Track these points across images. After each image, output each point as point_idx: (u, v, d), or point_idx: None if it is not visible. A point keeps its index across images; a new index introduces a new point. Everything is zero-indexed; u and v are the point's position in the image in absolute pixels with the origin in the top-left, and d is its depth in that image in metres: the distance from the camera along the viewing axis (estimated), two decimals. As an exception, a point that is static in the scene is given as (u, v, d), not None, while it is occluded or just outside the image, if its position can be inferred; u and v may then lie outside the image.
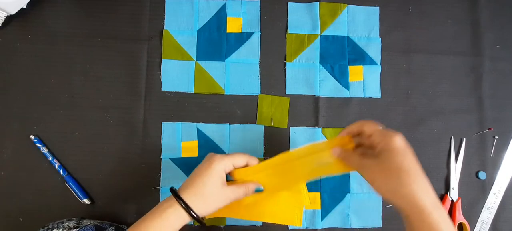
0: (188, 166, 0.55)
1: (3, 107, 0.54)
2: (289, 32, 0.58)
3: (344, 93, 0.58)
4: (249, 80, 0.57)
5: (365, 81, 0.58)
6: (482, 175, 0.58)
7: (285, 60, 0.58)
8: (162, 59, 0.56)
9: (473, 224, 0.57)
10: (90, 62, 0.56)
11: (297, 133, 0.57)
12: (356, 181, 0.56)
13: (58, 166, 0.53)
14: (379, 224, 0.56)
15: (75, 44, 0.56)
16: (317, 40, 0.58)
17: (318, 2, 0.58)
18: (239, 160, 0.44)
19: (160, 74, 0.56)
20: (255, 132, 0.56)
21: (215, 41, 0.57)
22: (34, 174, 0.54)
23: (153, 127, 0.55)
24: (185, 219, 0.40)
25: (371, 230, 0.56)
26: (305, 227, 0.55)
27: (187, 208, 0.39)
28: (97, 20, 0.56)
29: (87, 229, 0.46)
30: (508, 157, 0.58)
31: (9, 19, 0.54)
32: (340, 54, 0.58)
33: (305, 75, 0.58)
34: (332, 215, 0.56)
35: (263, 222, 0.55)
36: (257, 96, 0.57)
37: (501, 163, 0.58)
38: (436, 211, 0.34)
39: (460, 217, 0.56)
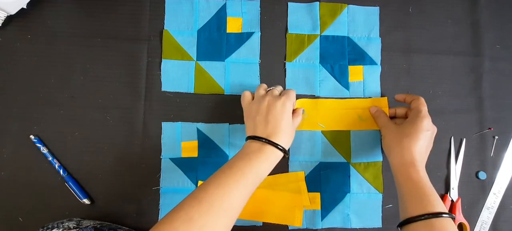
0: (188, 166, 0.55)
1: (3, 107, 0.54)
2: (289, 32, 0.58)
3: (344, 93, 0.58)
4: (249, 80, 0.57)
5: (365, 81, 0.58)
6: (482, 175, 0.58)
7: (285, 60, 0.58)
8: (162, 59, 0.56)
9: (473, 224, 0.57)
10: (90, 62, 0.56)
11: (297, 133, 0.56)
12: (356, 181, 0.56)
13: (58, 166, 0.53)
14: (379, 224, 0.56)
15: (75, 44, 0.56)
16: (317, 40, 0.58)
17: (318, 2, 0.58)
18: (294, 94, 0.51)
19: (160, 74, 0.56)
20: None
21: (215, 41, 0.57)
22: (34, 174, 0.54)
23: (153, 127, 0.55)
24: (279, 156, 0.46)
25: (371, 230, 0.56)
26: (305, 227, 0.55)
27: (281, 148, 0.45)
28: (97, 20, 0.56)
29: (87, 230, 0.46)
30: (508, 157, 0.58)
31: (9, 19, 0.54)
32: (340, 54, 0.58)
33: (305, 75, 0.58)
34: (332, 215, 0.56)
35: (263, 222, 0.55)
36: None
37: (501, 163, 0.58)
38: (422, 165, 0.47)
39: (460, 217, 0.56)
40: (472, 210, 0.57)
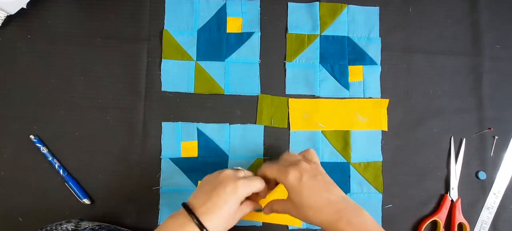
0: (188, 166, 0.55)
1: (3, 107, 0.54)
2: (289, 32, 0.58)
3: (344, 94, 0.58)
4: (249, 80, 0.57)
5: (365, 81, 0.58)
6: (482, 175, 0.58)
7: (285, 60, 0.58)
8: (162, 59, 0.56)
9: (473, 224, 0.57)
10: (90, 62, 0.56)
11: (297, 133, 0.57)
12: (356, 181, 0.56)
13: (58, 166, 0.53)
14: (379, 224, 0.56)
15: (75, 44, 0.56)
16: (317, 40, 0.58)
17: (318, 2, 0.58)
18: (258, 185, 0.44)
19: (160, 74, 0.56)
20: (255, 132, 0.56)
21: (215, 41, 0.57)
22: (34, 174, 0.54)
23: (153, 127, 0.55)
24: None
25: (371, 230, 0.56)
26: (305, 227, 0.55)
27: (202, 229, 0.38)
28: (97, 20, 0.56)
29: (86, 231, 0.46)
30: (508, 157, 0.58)
31: (9, 19, 0.54)
32: (340, 54, 0.58)
33: (305, 75, 0.58)
34: (332, 215, 0.56)
35: (263, 222, 0.55)
36: (257, 96, 0.57)
37: (501, 163, 0.58)
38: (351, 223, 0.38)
39: (460, 217, 0.56)
40: (472, 210, 0.57)
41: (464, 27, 0.60)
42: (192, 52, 0.57)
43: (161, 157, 0.55)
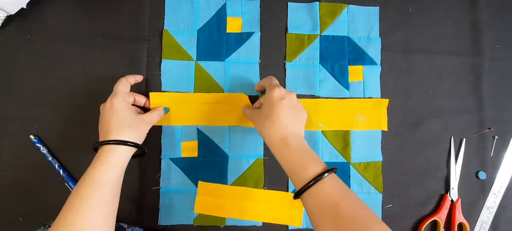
0: (188, 166, 0.55)
1: (3, 107, 0.54)
2: (289, 32, 0.58)
3: (344, 93, 0.58)
4: (249, 80, 0.57)
5: (365, 81, 0.58)
6: (482, 175, 0.58)
7: (285, 60, 0.58)
8: (162, 59, 0.56)
9: (473, 224, 0.57)
10: (90, 62, 0.56)
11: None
12: (356, 181, 0.56)
13: (58, 166, 0.53)
14: (379, 224, 0.56)
15: (75, 44, 0.56)
16: (317, 40, 0.58)
17: (318, 2, 0.58)
18: (132, 78, 0.52)
19: (160, 74, 0.56)
20: (255, 132, 0.56)
21: (215, 41, 0.57)
22: (34, 174, 0.54)
23: (153, 127, 0.55)
24: (127, 154, 0.45)
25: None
26: (305, 227, 0.55)
27: (113, 142, 0.43)
28: (97, 20, 0.56)
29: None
30: (508, 157, 0.58)
31: (9, 19, 0.54)
32: (340, 54, 0.58)
33: (305, 75, 0.58)
34: (332, 215, 0.56)
35: (263, 222, 0.55)
36: (257, 96, 0.57)
37: (501, 163, 0.58)
38: (283, 142, 0.43)
39: (460, 217, 0.56)
40: (472, 210, 0.57)
41: (464, 27, 0.60)
42: (192, 52, 0.57)
43: (161, 157, 0.55)
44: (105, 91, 0.55)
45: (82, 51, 0.56)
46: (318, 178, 0.39)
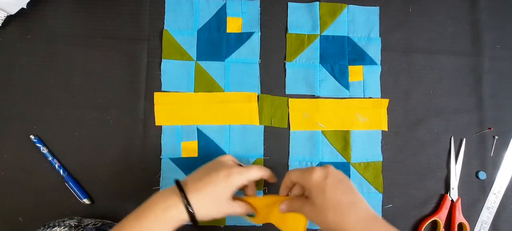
0: (188, 166, 0.55)
1: (3, 108, 0.54)
2: (289, 32, 0.58)
3: (344, 93, 0.58)
4: (249, 80, 0.57)
5: (365, 81, 0.58)
6: (482, 175, 0.58)
7: (285, 60, 0.58)
8: (162, 59, 0.56)
9: (473, 224, 0.57)
10: (90, 62, 0.56)
11: (297, 133, 0.57)
12: (356, 182, 0.56)
13: (58, 166, 0.53)
14: (379, 224, 0.56)
15: (75, 44, 0.56)
16: (317, 40, 0.58)
17: (318, 2, 0.58)
18: (255, 174, 0.42)
19: (160, 74, 0.56)
20: (255, 132, 0.56)
21: (215, 41, 0.57)
22: (34, 174, 0.54)
23: (153, 127, 0.55)
24: (183, 219, 0.38)
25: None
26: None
27: (190, 210, 0.37)
28: (97, 20, 0.56)
29: (88, 230, 0.46)
30: (508, 157, 0.58)
31: (9, 19, 0.54)
32: (340, 54, 0.58)
33: (305, 75, 0.57)
34: (332, 215, 0.56)
35: (262, 224, 0.55)
36: (257, 94, 0.57)
37: (501, 163, 0.58)
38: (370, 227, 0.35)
39: (460, 217, 0.56)
40: (472, 210, 0.57)
41: (464, 27, 0.60)
42: (192, 52, 0.57)
43: (161, 157, 0.55)
44: (105, 91, 0.56)
45: (82, 51, 0.56)
46: None
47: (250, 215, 0.47)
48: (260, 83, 0.57)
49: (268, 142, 0.56)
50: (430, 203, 0.57)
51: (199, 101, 0.56)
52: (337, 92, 0.58)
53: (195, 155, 0.55)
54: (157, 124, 0.55)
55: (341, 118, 0.57)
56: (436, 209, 0.57)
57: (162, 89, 0.56)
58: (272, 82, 0.57)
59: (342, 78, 0.58)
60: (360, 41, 0.59)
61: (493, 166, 0.58)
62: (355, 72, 0.58)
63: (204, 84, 0.56)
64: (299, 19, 0.58)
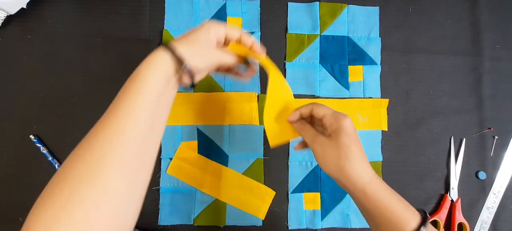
0: (188, 166, 0.55)
1: (3, 107, 0.54)
2: (289, 32, 0.58)
3: (344, 93, 0.58)
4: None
5: (365, 81, 0.58)
6: (482, 175, 0.58)
7: (285, 60, 0.58)
8: (162, 59, 0.56)
9: (473, 224, 0.57)
10: (90, 62, 0.56)
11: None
12: (356, 181, 0.56)
13: (58, 166, 0.53)
14: (379, 224, 0.56)
15: (75, 44, 0.56)
16: (317, 40, 0.58)
17: (318, 2, 0.58)
18: (233, 31, 0.42)
19: (160, 74, 0.56)
20: (255, 132, 0.56)
21: (215, 41, 0.57)
22: (34, 174, 0.54)
23: (153, 127, 0.55)
24: (170, 72, 0.36)
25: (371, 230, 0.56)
26: (305, 227, 0.55)
27: (178, 57, 0.36)
28: (97, 20, 0.56)
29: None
30: (508, 157, 0.58)
31: (9, 19, 0.54)
32: (340, 54, 0.58)
33: (305, 75, 0.57)
34: (332, 215, 0.56)
35: (262, 222, 0.55)
36: (256, 94, 0.57)
37: (501, 163, 0.58)
38: (375, 184, 0.37)
39: (460, 217, 0.56)
40: (472, 210, 0.57)
41: (464, 27, 0.60)
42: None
43: (161, 157, 0.55)
44: (105, 91, 0.55)
45: (82, 51, 0.56)
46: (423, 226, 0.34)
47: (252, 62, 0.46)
48: (260, 83, 0.57)
49: (268, 142, 0.56)
50: (430, 203, 0.57)
51: (199, 101, 0.56)
52: (337, 92, 0.58)
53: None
54: None
55: None
56: (436, 209, 0.57)
57: (162, 89, 0.56)
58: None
59: (342, 78, 0.58)
60: (360, 41, 0.59)
61: (493, 166, 0.58)
62: (355, 72, 0.58)
63: (204, 84, 0.56)
64: (299, 19, 0.58)
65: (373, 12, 0.59)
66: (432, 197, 0.57)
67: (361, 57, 0.58)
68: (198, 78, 0.40)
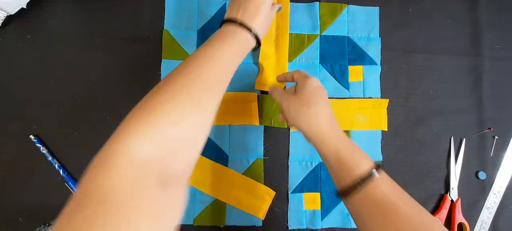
0: (188, 166, 0.55)
1: (3, 107, 0.54)
2: (289, 32, 0.58)
3: (344, 93, 0.58)
4: (249, 80, 0.57)
5: (365, 81, 0.58)
6: (482, 175, 0.58)
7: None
8: (162, 59, 0.56)
9: (473, 224, 0.57)
10: (90, 62, 0.56)
11: (297, 133, 0.57)
12: (356, 181, 0.56)
13: (58, 166, 0.53)
14: (379, 224, 0.56)
15: (75, 44, 0.56)
16: (317, 40, 0.58)
17: (318, 2, 0.58)
18: None
19: (160, 74, 0.56)
20: (255, 132, 0.56)
21: (215, 41, 0.57)
22: (34, 174, 0.54)
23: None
24: (245, 48, 0.43)
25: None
26: (305, 227, 0.55)
27: (254, 33, 0.43)
28: (97, 20, 0.56)
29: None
30: (508, 157, 0.58)
31: (9, 19, 0.54)
32: (340, 54, 0.58)
33: (305, 75, 0.57)
34: (332, 215, 0.56)
35: (262, 222, 0.55)
36: (256, 94, 0.57)
37: (501, 163, 0.58)
38: (333, 133, 0.40)
39: (460, 217, 0.56)
40: (472, 210, 0.57)
41: (464, 27, 0.60)
42: (192, 52, 0.57)
43: (161, 157, 0.55)
44: (105, 91, 0.55)
45: (82, 51, 0.56)
46: (372, 173, 0.36)
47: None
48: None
49: (268, 142, 0.56)
50: (430, 203, 0.57)
51: None
52: (337, 92, 0.58)
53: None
54: None
55: (341, 118, 0.57)
56: (436, 209, 0.57)
57: (162, 89, 0.56)
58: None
59: (342, 78, 0.58)
60: (360, 41, 0.59)
61: (493, 166, 0.58)
62: (355, 72, 0.58)
63: (204, 84, 0.56)
64: (299, 19, 0.58)
65: (373, 12, 0.59)
66: (432, 197, 0.57)
67: (361, 57, 0.58)
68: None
